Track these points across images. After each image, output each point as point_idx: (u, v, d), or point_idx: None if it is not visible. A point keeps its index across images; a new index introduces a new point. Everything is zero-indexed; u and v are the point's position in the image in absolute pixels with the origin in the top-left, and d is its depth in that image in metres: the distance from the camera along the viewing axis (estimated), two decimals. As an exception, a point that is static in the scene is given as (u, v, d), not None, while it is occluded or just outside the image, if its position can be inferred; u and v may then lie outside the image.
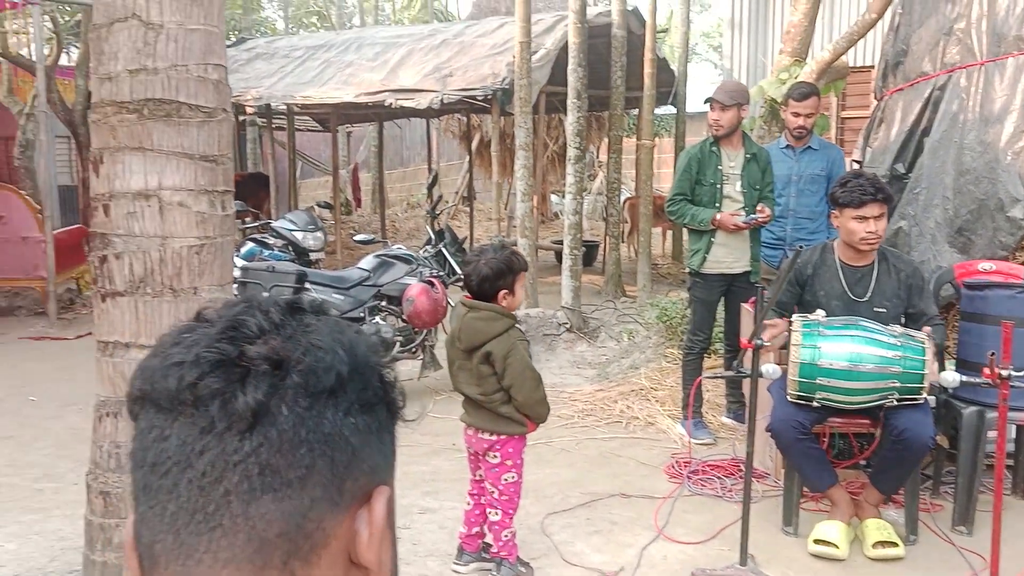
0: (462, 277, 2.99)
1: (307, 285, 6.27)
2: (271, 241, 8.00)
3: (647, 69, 9.10)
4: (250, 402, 0.58)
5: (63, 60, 11.77)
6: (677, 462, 4.62)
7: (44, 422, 5.49)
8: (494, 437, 3.11)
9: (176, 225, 2.66)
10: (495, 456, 3.13)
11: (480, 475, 3.24)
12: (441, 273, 6.99)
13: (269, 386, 0.59)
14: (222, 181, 2.80)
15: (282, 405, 0.59)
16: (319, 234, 8.46)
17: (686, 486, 4.31)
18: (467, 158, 15.43)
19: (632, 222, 11.43)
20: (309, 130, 15.42)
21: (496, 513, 3.19)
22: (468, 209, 13.76)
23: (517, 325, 3.01)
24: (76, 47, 11.93)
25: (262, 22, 24.00)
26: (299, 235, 8.19)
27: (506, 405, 3.04)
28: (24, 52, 11.38)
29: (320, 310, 0.66)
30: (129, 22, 2.64)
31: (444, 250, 7.21)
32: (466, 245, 7.96)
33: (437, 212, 7.95)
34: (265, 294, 0.73)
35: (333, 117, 12.14)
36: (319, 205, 10.33)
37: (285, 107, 10.86)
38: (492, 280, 2.88)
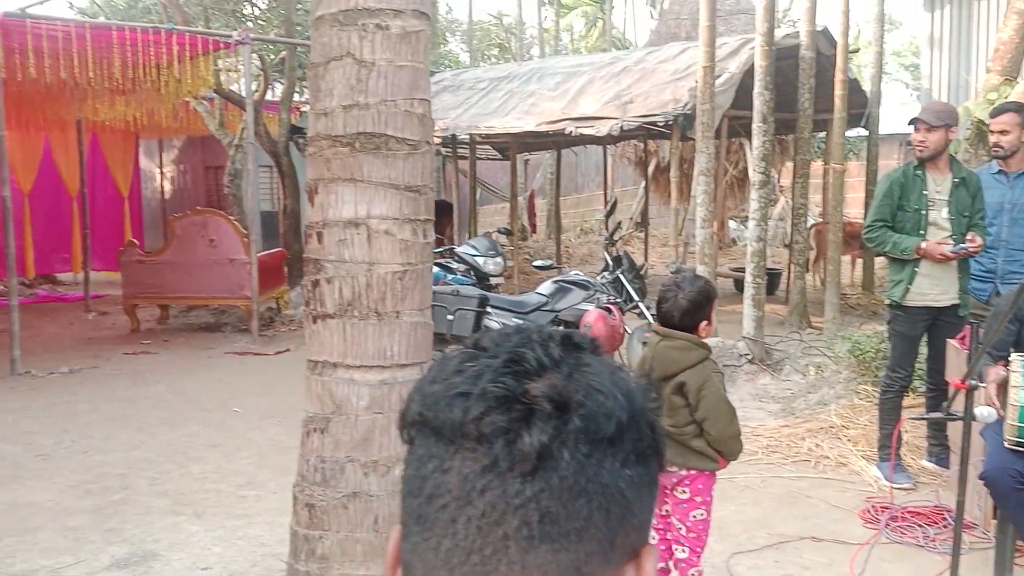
0: (658, 312, 2.94)
1: (488, 309, 6.42)
2: (454, 265, 8.26)
3: (838, 91, 8.71)
4: (535, 443, 0.57)
5: (268, 95, 12.70)
6: (873, 507, 4.34)
7: (247, 432, 5.88)
8: (684, 471, 3.03)
9: (382, 252, 2.79)
10: (684, 492, 3.05)
11: (666, 510, 3.17)
12: (618, 300, 6.96)
13: (553, 428, 0.57)
14: (424, 210, 2.91)
15: (564, 450, 0.57)
16: (499, 259, 8.65)
17: (884, 533, 4.04)
18: (642, 184, 15.33)
19: (819, 249, 10.94)
20: (489, 158, 15.86)
21: (683, 550, 3.10)
22: (642, 235, 13.66)
23: (711, 357, 2.93)
24: (280, 83, 12.87)
25: (446, 55, 25.00)
26: (480, 260, 8.40)
27: (698, 439, 2.95)
28: (234, 88, 12.41)
29: (595, 348, 0.65)
30: (344, 60, 2.80)
31: (622, 276, 7.18)
32: (642, 272, 7.89)
33: (615, 239, 7.93)
34: (535, 325, 0.72)
35: (513, 145, 12.42)
36: (498, 231, 10.57)
37: (467, 136, 11.22)
38: (692, 313, 2.83)
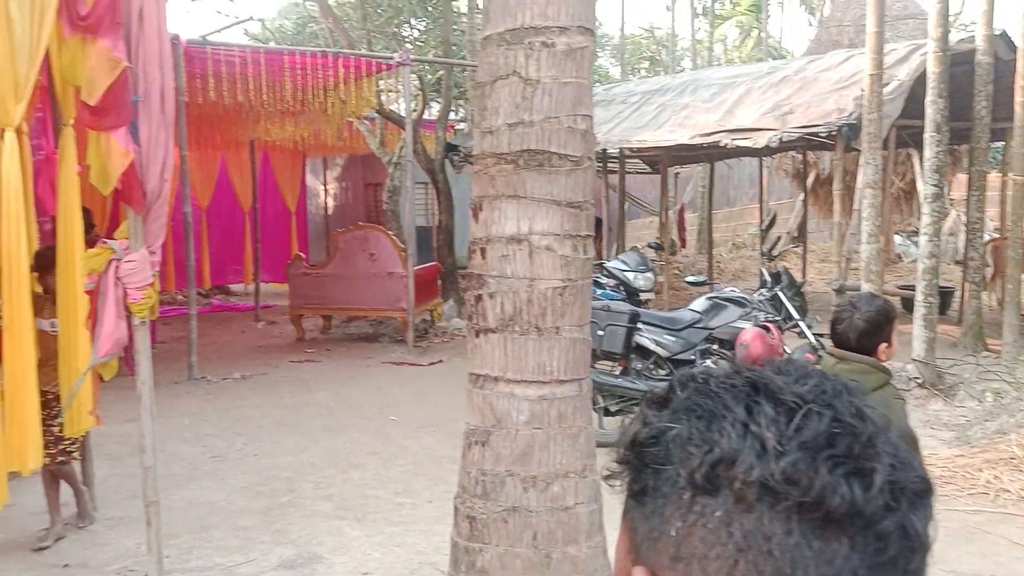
0: (832, 333, 2.79)
1: (639, 325, 6.33)
2: (603, 280, 8.22)
3: (1018, 97, 8.08)
4: (921, 531, 0.54)
5: (425, 115, 13.11)
6: (1066, 549, 3.97)
7: (403, 441, 6.05)
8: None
9: (543, 268, 2.80)
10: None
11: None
12: (777, 318, 6.71)
13: (926, 513, 0.55)
14: (584, 226, 2.90)
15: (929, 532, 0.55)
16: (649, 274, 8.54)
17: (1081, 580, 3.68)
18: (800, 196, 14.75)
19: (996, 266, 10.16)
20: (638, 172, 15.72)
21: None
22: (800, 250, 13.13)
23: (892, 381, 2.75)
24: (437, 102, 13.25)
25: (596, 70, 25.04)
26: (630, 275, 8.33)
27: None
28: (394, 108, 12.88)
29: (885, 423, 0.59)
30: (510, 79, 2.84)
31: (781, 294, 6.92)
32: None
33: (774, 254, 7.66)
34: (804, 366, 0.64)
35: (664, 159, 12.25)
36: (649, 246, 10.45)
37: (617, 151, 11.16)
38: (870, 335, 2.67)
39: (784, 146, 10.28)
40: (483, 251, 2.89)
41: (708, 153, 12.15)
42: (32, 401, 3.60)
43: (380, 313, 10.15)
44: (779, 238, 8.67)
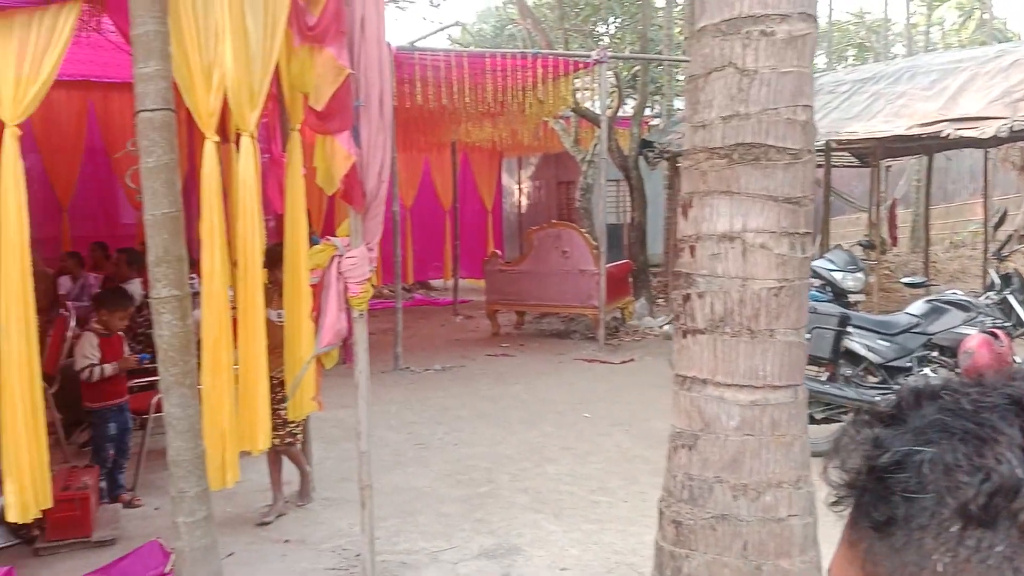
0: None
1: (849, 328, 5.97)
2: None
3: None
4: None
5: (620, 112, 13.04)
6: None
7: (596, 438, 6.04)
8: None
9: (757, 267, 2.68)
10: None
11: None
12: (1006, 324, 6.12)
13: None
14: (803, 223, 2.75)
15: None
16: (859, 275, 8.04)
17: None
18: (1032, 192, 13.40)
19: None
20: (845, 166, 14.87)
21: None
22: (1032, 250, 11.93)
23: None
24: (633, 99, 13.14)
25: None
26: (838, 275, 7.88)
27: None
28: (588, 105, 12.91)
29: None
30: (725, 71, 2.74)
31: (1011, 298, 6.31)
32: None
33: (1004, 254, 7.02)
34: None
35: (876, 151, 11.50)
36: (859, 244, 9.84)
37: (823, 144, 10.59)
38: None
39: (1014, 136, 9.36)
40: (692, 249, 2.80)
41: (925, 145, 11.28)
42: (263, 386, 3.90)
43: (572, 310, 10.20)
44: (1009, 237, 7.90)
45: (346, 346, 4.02)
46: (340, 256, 3.88)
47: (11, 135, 3.73)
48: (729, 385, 2.67)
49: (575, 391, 7.53)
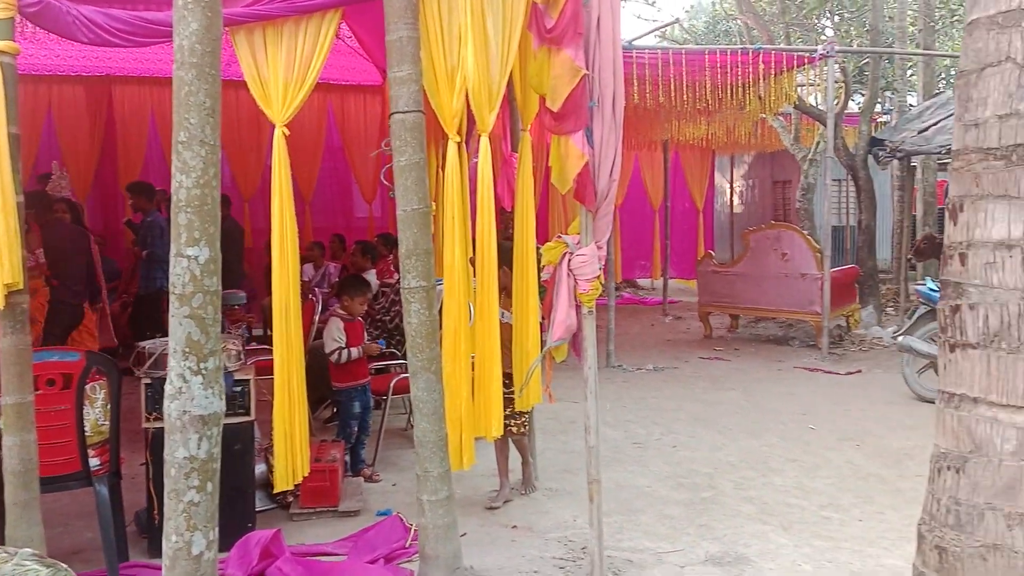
0: None
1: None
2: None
3: None
4: None
5: (847, 108, 12.38)
6: None
7: (824, 452, 5.77)
8: None
9: (1038, 278, 2.46)
10: None
11: None
12: None
13: None
14: (1092, 231, 2.49)
15: None
16: None
17: None
18: None
19: None
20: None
21: None
22: None
23: None
24: (862, 94, 12.44)
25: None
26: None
27: None
28: (811, 101, 12.33)
29: None
30: (1002, 66, 2.54)
31: None
32: None
33: None
34: None
35: None
36: None
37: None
38: None
39: None
40: (963, 257, 2.61)
41: None
42: (497, 375, 4.06)
43: (791, 315, 9.80)
44: None
45: (575, 341, 4.10)
46: (571, 253, 3.96)
47: (280, 135, 4.13)
48: (1004, 405, 2.46)
49: (797, 401, 7.24)
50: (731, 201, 17.39)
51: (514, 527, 4.43)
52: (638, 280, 15.72)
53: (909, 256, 10.54)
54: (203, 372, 2.64)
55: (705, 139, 12.66)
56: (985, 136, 2.59)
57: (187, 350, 2.64)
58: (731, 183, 17.45)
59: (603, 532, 3.75)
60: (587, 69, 3.85)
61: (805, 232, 10.19)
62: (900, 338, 7.11)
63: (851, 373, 8.29)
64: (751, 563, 3.93)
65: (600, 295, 4.04)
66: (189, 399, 2.64)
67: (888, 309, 11.44)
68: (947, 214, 2.75)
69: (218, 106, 2.70)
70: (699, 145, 13.92)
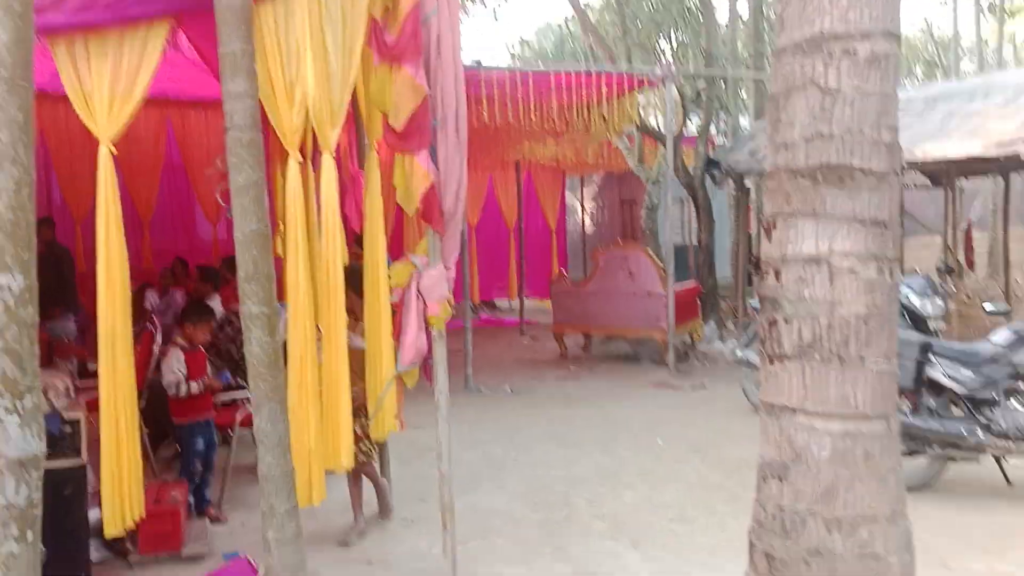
0: None
1: (931, 357, 5.80)
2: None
3: None
4: None
5: (684, 130, 12.96)
6: None
7: (672, 464, 5.97)
8: None
9: (845, 291, 2.64)
10: None
11: None
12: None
13: None
14: (890, 247, 2.71)
15: None
16: (939, 301, 7.79)
17: None
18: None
19: None
20: (917, 187, 14.51)
21: None
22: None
23: None
24: (697, 116, 13.06)
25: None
26: (918, 301, 7.64)
27: None
28: (652, 123, 12.84)
29: None
30: (807, 90, 2.71)
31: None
32: None
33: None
34: None
35: (949, 172, 11.23)
36: (939, 269, 9.59)
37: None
38: None
39: (1102, 154, 9.04)
40: (777, 272, 2.77)
41: (1002, 165, 10.96)
42: (345, 403, 3.95)
43: (639, 333, 10.11)
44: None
45: (425, 365, 4.07)
46: (419, 274, 3.93)
47: (106, 152, 3.89)
48: (819, 414, 2.62)
49: (647, 416, 7.46)
50: (583, 221, 17.86)
51: (369, 563, 4.33)
52: (496, 300, 15.85)
53: (748, 270, 11.14)
54: (20, 411, 2.46)
55: (555, 159, 12.95)
56: (794, 156, 2.76)
57: (1, 388, 2.44)
58: (582, 203, 17.92)
59: (457, 561, 3.71)
60: (428, 88, 3.84)
61: (650, 251, 10.57)
62: (738, 352, 7.47)
63: (696, 387, 8.64)
64: (601, 582, 4.00)
65: (454, 317, 4.02)
66: (5, 440, 2.44)
67: (729, 324, 12.02)
68: (762, 231, 2.91)
69: (32, 121, 2.52)
70: (550, 165, 14.23)
